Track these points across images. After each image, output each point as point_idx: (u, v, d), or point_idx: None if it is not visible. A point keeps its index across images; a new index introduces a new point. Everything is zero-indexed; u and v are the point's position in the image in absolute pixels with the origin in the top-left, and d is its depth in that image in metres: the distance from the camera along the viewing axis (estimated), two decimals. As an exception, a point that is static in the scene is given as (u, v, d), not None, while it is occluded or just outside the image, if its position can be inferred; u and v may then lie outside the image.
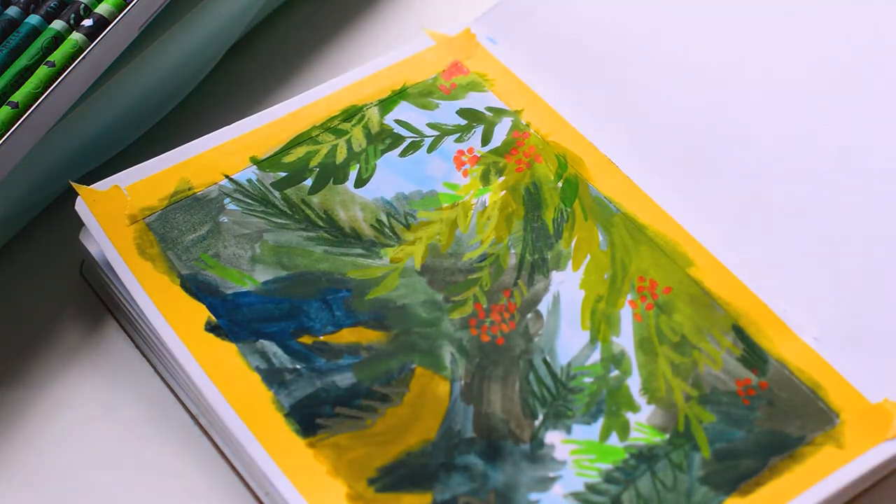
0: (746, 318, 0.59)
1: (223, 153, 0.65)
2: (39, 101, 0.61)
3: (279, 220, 0.63)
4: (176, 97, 0.69)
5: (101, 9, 0.64)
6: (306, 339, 0.59)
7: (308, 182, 0.64)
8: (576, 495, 0.54)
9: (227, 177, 0.64)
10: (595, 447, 0.55)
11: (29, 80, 0.62)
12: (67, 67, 0.62)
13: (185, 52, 0.69)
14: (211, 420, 0.58)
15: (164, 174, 0.63)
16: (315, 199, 0.63)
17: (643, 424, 0.56)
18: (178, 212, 0.62)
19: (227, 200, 0.63)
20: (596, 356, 0.58)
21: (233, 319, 0.59)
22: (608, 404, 0.57)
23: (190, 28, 0.68)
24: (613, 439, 0.56)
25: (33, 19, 0.64)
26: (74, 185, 0.62)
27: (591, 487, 0.54)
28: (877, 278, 0.61)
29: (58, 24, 0.64)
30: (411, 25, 0.75)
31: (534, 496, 0.54)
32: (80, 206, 0.61)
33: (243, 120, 0.66)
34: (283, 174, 0.64)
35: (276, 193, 0.63)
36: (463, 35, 0.70)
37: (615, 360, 0.58)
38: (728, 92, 0.70)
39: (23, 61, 0.62)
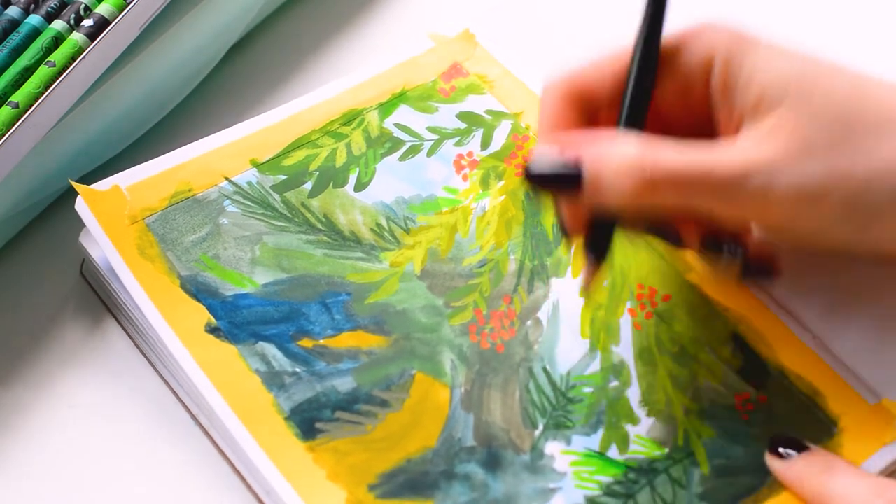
0: (746, 324, 0.59)
1: (223, 155, 0.65)
2: (40, 101, 0.61)
3: (279, 223, 0.63)
4: (176, 97, 0.69)
5: (102, 9, 0.64)
6: (306, 343, 0.59)
7: (308, 185, 0.64)
8: None
9: (227, 179, 0.64)
10: (595, 459, 0.56)
11: (29, 81, 0.62)
12: (68, 67, 0.62)
13: (185, 52, 0.68)
14: (211, 421, 0.58)
15: (164, 175, 0.63)
16: (315, 203, 0.63)
17: (643, 437, 0.56)
18: (178, 213, 0.62)
19: (226, 202, 0.63)
20: (595, 366, 0.58)
21: (232, 321, 0.59)
22: (608, 415, 0.57)
23: (190, 28, 0.68)
24: (613, 451, 0.56)
25: (34, 19, 0.64)
26: (75, 184, 0.62)
27: (591, 500, 0.55)
28: (877, 277, 0.61)
29: (58, 25, 0.64)
30: (411, 26, 0.74)
31: (534, 508, 0.55)
32: (81, 205, 0.61)
33: (243, 122, 0.66)
34: (283, 177, 0.64)
35: (276, 196, 0.63)
36: (462, 35, 0.70)
37: (615, 370, 0.58)
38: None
39: (23, 61, 0.62)
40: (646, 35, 0.55)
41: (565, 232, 0.56)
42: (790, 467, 0.54)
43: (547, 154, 0.53)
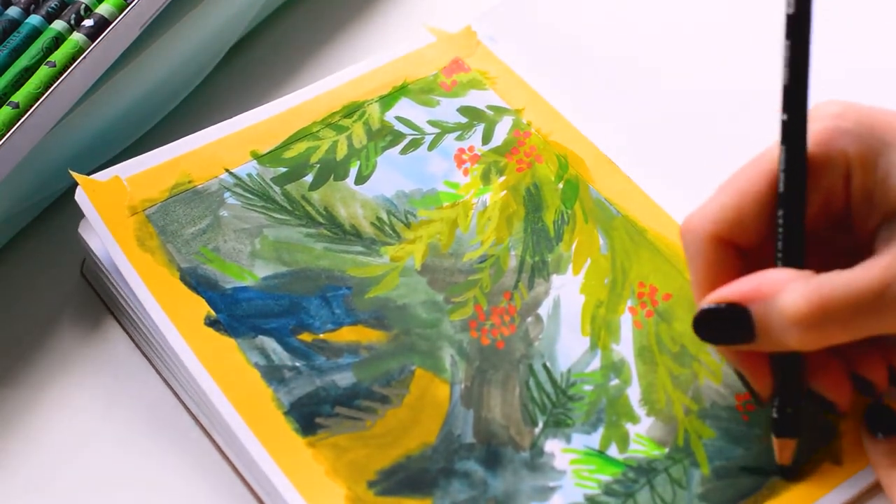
0: None
1: (224, 147, 0.64)
2: (40, 101, 0.61)
3: (279, 216, 0.62)
4: (176, 97, 0.69)
5: (102, 9, 0.64)
6: (306, 337, 0.59)
7: (308, 178, 0.64)
8: None
9: (227, 170, 0.64)
10: (594, 457, 0.56)
11: (30, 81, 0.62)
12: (68, 68, 0.62)
13: (186, 52, 0.68)
14: (211, 418, 0.58)
15: (164, 166, 0.63)
16: (315, 196, 0.63)
17: (642, 436, 0.56)
18: (178, 204, 0.62)
19: (227, 194, 0.63)
20: (596, 363, 0.58)
21: (232, 314, 0.59)
22: (608, 414, 0.57)
23: (190, 28, 0.68)
24: (613, 450, 0.56)
25: (34, 20, 0.64)
26: (75, 174, 0.62)
27: (590, 499, 0.55)
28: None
29: (59, 25, 0.64)
30: (412, 23, 0.74)
31: (533, 506, 0.55)
32: (80, 196, 0.61)
33: (244, 114, 0.66)
34: (284, 169, 0.64)
35: (277, 189, 0.63)
36: (464, 33, 0.70)
37: (615, 368, 0.58)
38: (731, 91, 0.70)
39: (24, 61, 0.62)
40: (789, 164, 0.54)
41: (758, 398, 0.56)
42: (874, 446, 0.55)
43: (713, 309, 0.53)
